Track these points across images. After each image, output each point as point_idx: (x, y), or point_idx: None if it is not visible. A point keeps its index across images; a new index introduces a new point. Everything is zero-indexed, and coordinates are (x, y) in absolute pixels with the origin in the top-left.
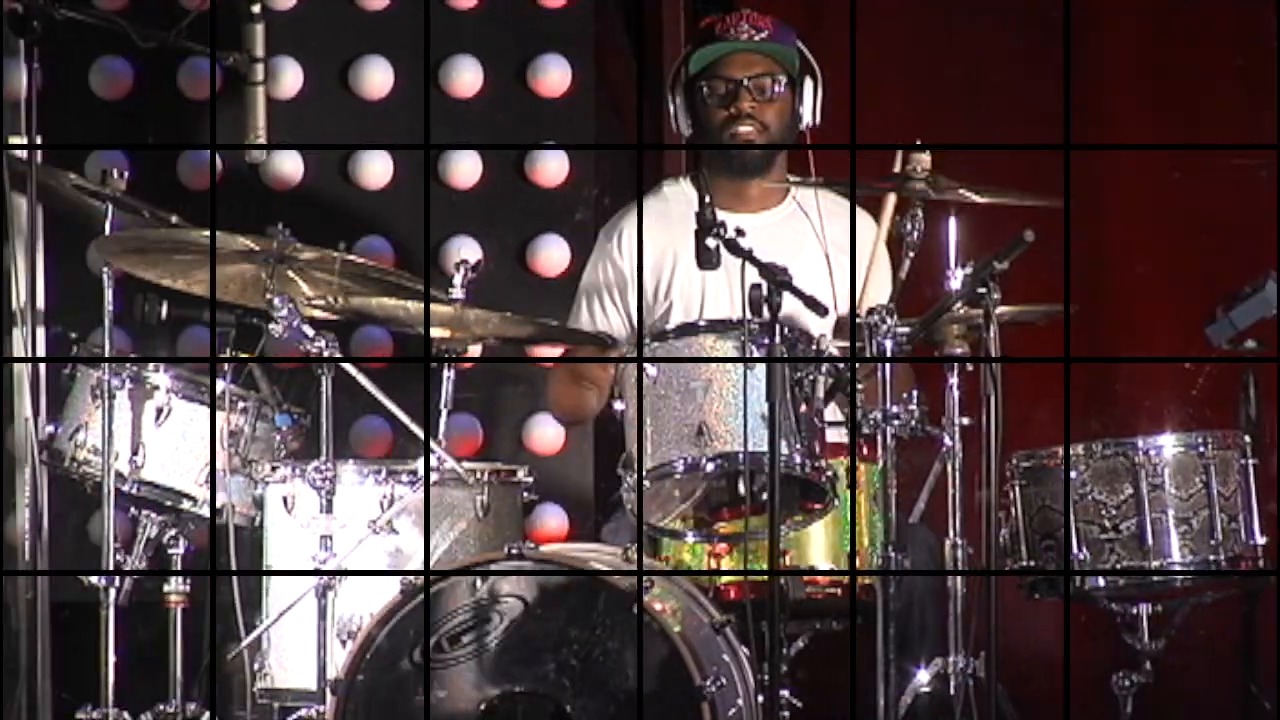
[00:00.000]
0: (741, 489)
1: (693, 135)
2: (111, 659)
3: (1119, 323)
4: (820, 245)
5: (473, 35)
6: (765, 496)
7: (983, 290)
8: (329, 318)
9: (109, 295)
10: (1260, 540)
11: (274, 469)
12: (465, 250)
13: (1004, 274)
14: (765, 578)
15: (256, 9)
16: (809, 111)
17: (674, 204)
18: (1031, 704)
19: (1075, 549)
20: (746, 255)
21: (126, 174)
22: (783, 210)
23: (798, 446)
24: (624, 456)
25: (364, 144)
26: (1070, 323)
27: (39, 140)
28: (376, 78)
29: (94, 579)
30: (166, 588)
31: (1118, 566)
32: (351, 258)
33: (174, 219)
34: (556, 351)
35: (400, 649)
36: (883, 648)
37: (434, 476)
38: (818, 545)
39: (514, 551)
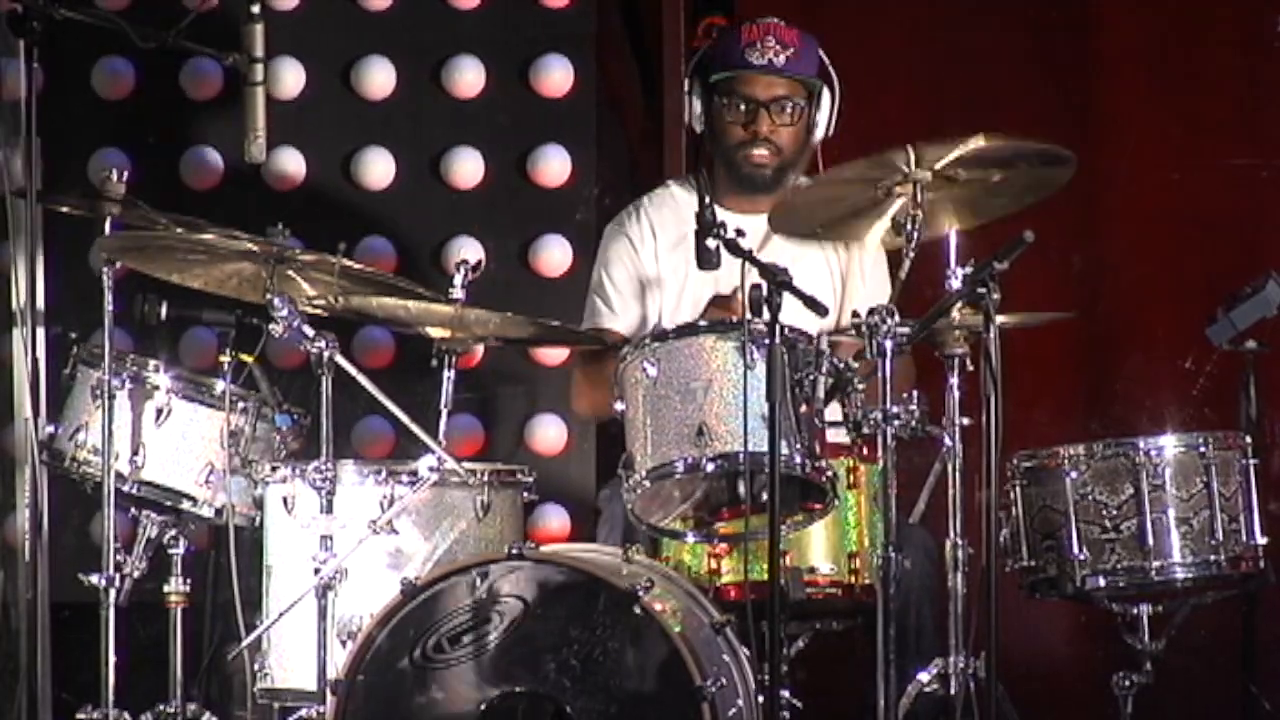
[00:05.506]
0: (741, 489)
1: (705, 135)
2: (111, 659)
3: (1119, 323)
4: (820, 248)
5: (475, 35)
6: (765, 496)
7: (982, 290)
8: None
9: (109, 295)
10: (1260, 540)
11: (274, 469)
12: (467, 250)
13: (1004, 274)
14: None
15: (256, 9)
16: (824, 124)
17: (683, 206)
18: (1031, 704)
19: (1075, 549)
20: (746, 255)
21: (128, 174)
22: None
23: (798, 446)
24: (624, 456)
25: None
26: (1070, 326)
27: (39, 141)
28: (378, 78)
29: (94, 579)
30: (166, 588)
31: (1118, 567)
32: (349, 263)
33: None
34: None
35: (400, 649)
36: (883, 648)
37: (434, 477)
38: (818, 545)
39: (514, 551)
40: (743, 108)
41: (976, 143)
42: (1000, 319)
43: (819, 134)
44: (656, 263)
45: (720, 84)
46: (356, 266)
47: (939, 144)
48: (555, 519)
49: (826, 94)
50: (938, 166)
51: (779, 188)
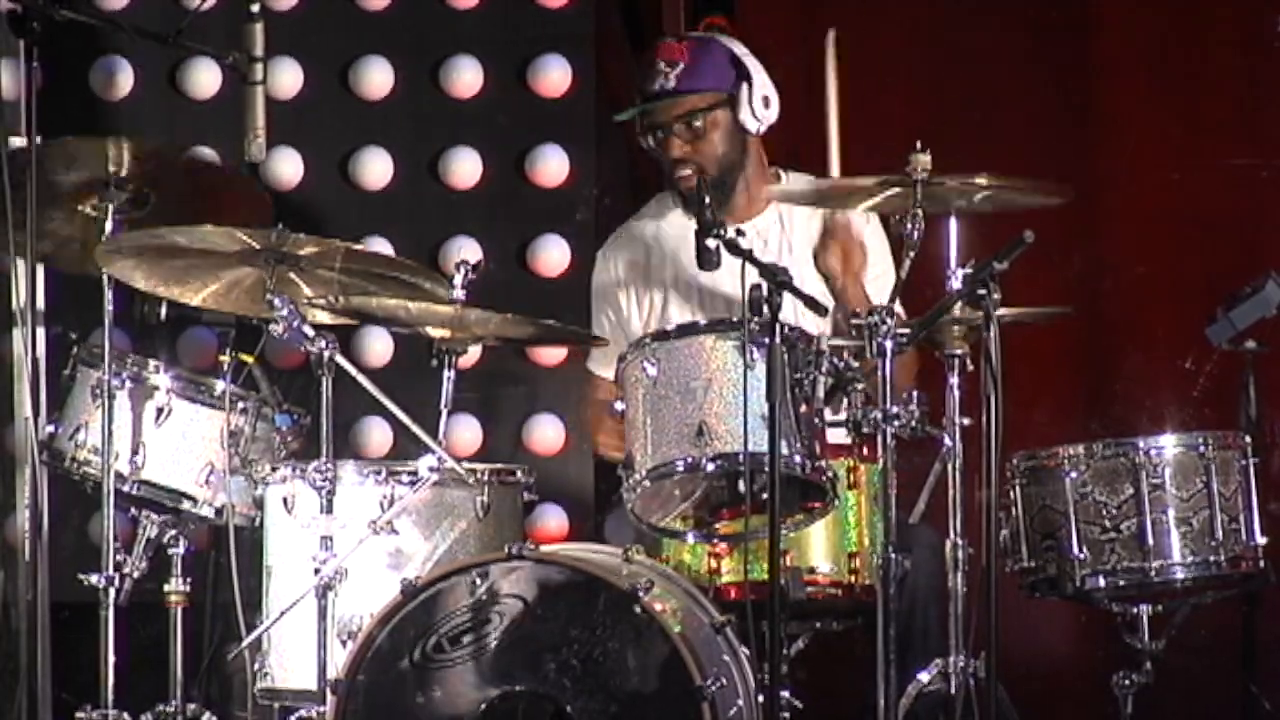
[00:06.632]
0: (741, 489)
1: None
2: (111, 659)
3: (1119, 323)
4: (789, 254)
5: (473, 35)
6: (765, 496)
7: (983, 290)
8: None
9: (109, 295)
10: (1260, 540)
11: (274, 469)
12: (465, 251)
13: (1004, 274)
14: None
15: (255, 8)
16: (752, 119)
17: (673, 221)
18: (1031, 704)
19: (1075, 549)
20: (746, 255)
21: None
22: (767, 217)
23: (798, 446)
24: (624, 456)
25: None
26: (1070, 325)
27: (39, 140)
28: (376, 78)
29: (94, 579)
30: (166, 588)
31: (1117, 567)
32: (356, 246)
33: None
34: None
35: (400, 649)
36: (883, 648)
37: (434, 477)
38: (818, 545)
39: (513, 551)
40: (652, 140)
41: (978, 180)
42: (999, 311)
43: (753, 129)
44: (645, 283)
45: (636, 121)
46: (361, 249)
47: (942, 176)
48: (554, 519)
49: (745, 89)
50: (937, 189)
51: (729, 194)
